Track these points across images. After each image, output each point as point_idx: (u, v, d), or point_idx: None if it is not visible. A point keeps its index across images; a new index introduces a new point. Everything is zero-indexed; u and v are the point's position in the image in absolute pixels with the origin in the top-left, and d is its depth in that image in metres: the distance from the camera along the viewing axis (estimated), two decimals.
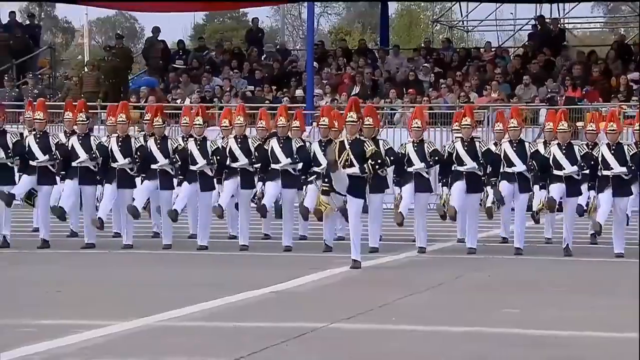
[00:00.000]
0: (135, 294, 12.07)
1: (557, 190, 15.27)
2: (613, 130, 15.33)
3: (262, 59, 29.71)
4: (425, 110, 18.48)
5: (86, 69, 29.35)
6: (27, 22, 31.98)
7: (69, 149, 16.01)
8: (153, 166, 15.98)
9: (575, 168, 15.26)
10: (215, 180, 15.98)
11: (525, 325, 9.98)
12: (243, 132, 16.11)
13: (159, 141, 16.17)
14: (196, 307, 10.89)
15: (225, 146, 16.03)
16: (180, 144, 16.13)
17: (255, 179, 15.98)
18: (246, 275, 13.60)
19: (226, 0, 33.39)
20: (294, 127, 16.17)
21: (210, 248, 16.02)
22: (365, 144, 13.76)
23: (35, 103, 16.90)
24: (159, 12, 32.65)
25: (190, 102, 26.24)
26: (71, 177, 15.99)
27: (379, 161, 13.96)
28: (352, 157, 13.56)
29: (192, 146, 15.95)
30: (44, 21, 48.29)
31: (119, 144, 16.06)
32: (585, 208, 15.43)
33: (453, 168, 15.63)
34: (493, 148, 16.07)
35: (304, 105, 24.78)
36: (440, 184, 16.08)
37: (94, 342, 9.21)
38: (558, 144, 15.47)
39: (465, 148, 15.64)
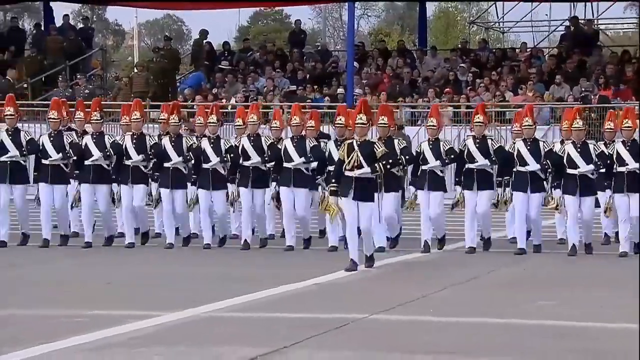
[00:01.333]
0: (180, 287, 12.12)
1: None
2: (628, 127, 14.63)
3: (304, 59, 29.73)
4: (443, 109, 17.29)
5: (136, 70, 29.49)
6: (80, 25, 32.22)
7: (83, 147, 15.55)
8: (166, 164, 15.53)
9: (590, 167, 14.56)
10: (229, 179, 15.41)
11: (557, 317, 9.94)
12: (256, 131, 15.54)
13: (173, 139, 15.68)
14: (240, 299, 10.93)
15: (238, 145, 15.44)
16: (194, 142, 15.66)
17: (269, 179, 15.39)
18: (287, 269, 13.60)
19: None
20: (308, 126, 15.53)
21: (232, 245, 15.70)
22: (375, 146, 13.23)
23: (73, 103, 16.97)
24: (206, 9, 32.65)
25: (235, 102, 26.34)
26: (84, 177, 15.50)
27: (391, 161, 13.45)
28: (361, 158, 13.01)
29: (205, 144, 15.43)
30: (95, 24, 48.56)
31: (134, 141, 15.59)
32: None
33: (465, 166, 15.01)
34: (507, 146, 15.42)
35: (345, 103, 24.76)
36: (454, 182, 15.32)
37: (143, 332, 9.28)
38: (573, 143, 14.78)
39: (477, 145, 15.00)
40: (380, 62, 28.74)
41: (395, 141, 14.91)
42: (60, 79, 28.04)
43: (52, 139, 15.58)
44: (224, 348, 8.57)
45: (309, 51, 30.52)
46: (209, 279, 12.80)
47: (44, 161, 15.47)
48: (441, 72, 27.89)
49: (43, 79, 28.85)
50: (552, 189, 14.90)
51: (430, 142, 15.15)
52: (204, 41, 30.15)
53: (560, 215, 15.40)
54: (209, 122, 15.71)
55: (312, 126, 15.61)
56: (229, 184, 15.34)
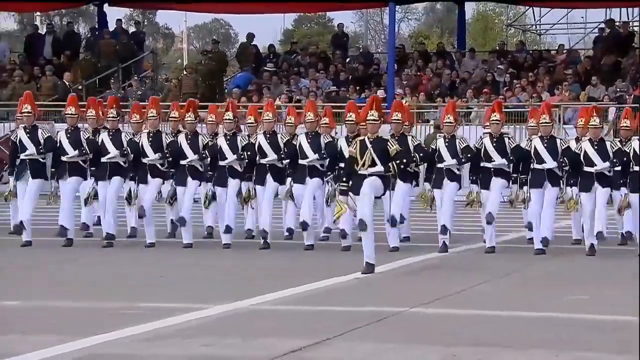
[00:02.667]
0: (226, 281, 12.18)
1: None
2: None
3: (347, 61, 29.72)
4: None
5: (185, 72, 29.60)
6: (132, 28, 32.38)
7: (99, 144, 14.99)
8: (182, 162, 14.97)
9: (607, 164, 13.86)
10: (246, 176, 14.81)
11: (591, 311, 9.88)
12: (272, 128, 14.89)
13: (189, 137, 15.11)
14: (283, 292, 10.94)
15: (254, 142, 14.83)
16: (210, 140, 15.10)
17: (285, 176, 14.76)
18: (328, 263, 13.53)
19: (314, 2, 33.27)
20: (323, 123, 15.05)
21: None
22: (388, 143, 12.45)
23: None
24: (252, 14, 32.72)
25: (280, 102, 26.38)
26: (101, 174, 14.88)
27: (405, 160, 12.73)
28: (374, 156, 12.25)
29: (221, 142, 14.88)
30: (146, 28, 48.79)
31: (150, 139, 15.04)
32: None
33: (482, 164, 14.30)
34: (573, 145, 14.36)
35: (385, 104, 24.74)
36: (470, 181, 14.52)
37: (192, 324, 9.34)
38: (590, 140, 14.11)
39: (494, 144, 14.32)
40: (420, 63, 28.67)
41: (409, 138, 14.47)
42: (112, 81, 28.25)
43: (69, 135, 15.04)
44: (269, 340, 8.60)
45: (351, 54, 30.52)
46: (252, 273, 12.84)
47: (62, 158, 14.96)
48: (479, 73, 27.79)
49: (97, 81, 29.04)
50: (569, 187, 14.14)
51: (447, 140, 14.46)
52: (251, 44, 30.23)
53: (576, 214, 14.64)
54: (225, 119, 15.07)
55: (326, 123, 15.15)
56: (244, 182, 14.76)
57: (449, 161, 14.32)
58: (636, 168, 13.86)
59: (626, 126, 14.36)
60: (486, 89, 26.35)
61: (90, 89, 28.25)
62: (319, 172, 14.85)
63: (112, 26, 31.26)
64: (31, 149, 14.88)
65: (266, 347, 8.31)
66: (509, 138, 14.68)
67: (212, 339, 8.63)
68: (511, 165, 14.33)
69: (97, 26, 32.21)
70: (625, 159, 13.91)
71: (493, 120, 14.52)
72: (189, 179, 15.02)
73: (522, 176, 14.16)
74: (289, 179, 14.70)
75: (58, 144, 15.00)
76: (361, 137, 12.67)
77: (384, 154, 12.29)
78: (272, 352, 8.08)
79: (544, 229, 14.07)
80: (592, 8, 32.47)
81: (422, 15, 56.43)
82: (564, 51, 29.44)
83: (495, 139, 14.38)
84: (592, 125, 14.24)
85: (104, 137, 15.08)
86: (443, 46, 32.09)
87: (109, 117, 15.26)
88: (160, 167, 15.05)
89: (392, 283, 12.06)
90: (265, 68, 29.21)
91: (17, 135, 15.18)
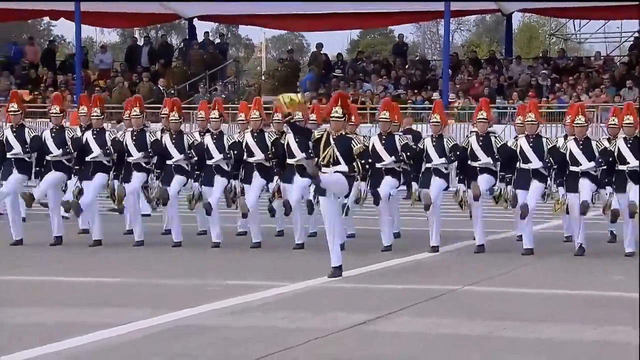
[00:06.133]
0: (301, 261, 12.10)
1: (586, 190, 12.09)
2: (630, 123, 12.16)
3: (406, 67, 29.60)
4: (442, 108, 12.78)
5: (263, 78, 29.71)
6: (217, 40, 32.56)
7: (84, 143, 13.11)
8: (168, 162, 13.11)
9: (592, 164, 12.13)
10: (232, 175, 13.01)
11: (628, 289, 9.68)
12: (259, 127, 13.05)
13: (174, 136, 13.22)
14: (349, 272, 10.86)
15: (241, 140, 13.06)
16: (196, 139, 13.28)
17: (273, 174, 12.97)
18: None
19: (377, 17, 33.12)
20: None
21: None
22: (352, 141, 10.53)
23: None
24: (321, 30, 32.75)
25: None
26: (85, 173, 13.04)
27: (370, 160, 10.96)
28: (337, 154, 10.44)
29: (208, 140, 13.04)
30: (230, 39, 49.00)
31: (134, 138, 13.15)
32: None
33: (468, 163, 12.59)
34: (607, 144, 12.43)
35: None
36: (457, 180, 12.75)
37: (271, 300, 9.35)
38: (575, 139, 12.35)
39: (480, 143, 12.58)
40: (471, 69, 28.47)
41: (396, 137, 12.79)
42: (201, 86, 28.49)
43: (53, 135, 13.19)
44: (338, 313, 8.57)
45: (410, 61, 30.37)
46: (322, 255, 12.74)
47: (46, 157, 13.10)
48: (524, 77, 27.53)
49: (187, 86, 29.29)
50: (556, 187, 12.42)
51: (434, 139, 12.69)
52: (320, 52, 30.23)
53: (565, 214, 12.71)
54: (211, 118, 13.23)
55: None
56: (232, 180, 12.95)
57: (436, 160, 12.61)
58: (622, 167, 12.06)
59: (613, 124, 12.54)
60: (531, 91, 26.14)
61: (181, 93, 28.48)
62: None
63: (200, 38, 31.51)
64: (17, 148, 13.06)
65: (334, 320, 8.28)
66: (495, 137, 12.84)
67: (288, 313, 8.62)
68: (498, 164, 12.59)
69: (187, 38, 32.50)
70: (610, 158, 12.13)
71: (479, 119, 12.71)
72: (217, 176, 13.00)
73: (508, 175, 12.45)
74: (276, 178, 12.89)
75: (84, 143, 13.15)
76: (325, 132, 10.67)
77: (347, 153, 10.46)
78: (338, 325, 8.05)
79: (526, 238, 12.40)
80: (627, 19, 31.91)
81: (473, 26, 56.05)
82: (601, 58, 29.04)
83: (481, 138, 12.59)
84: (577, 123, 12.39)
85: (88, 136, 13.20)
86: (493, 53, 31.75)
87: (93, 115, 13.26)
88: (145, 165, 13.13)
89: (446, 264, 11.93)
90: (334, 74, 29.19)
91: (3, 134, 13.26)
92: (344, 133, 10.60)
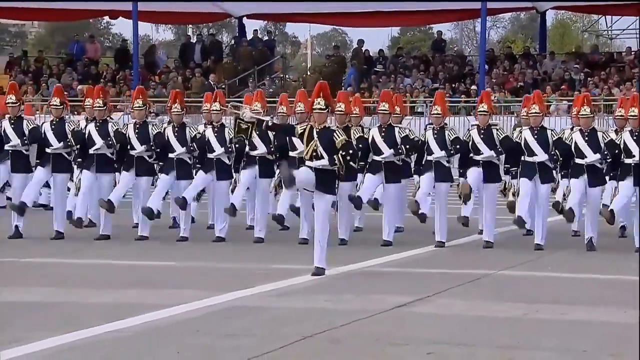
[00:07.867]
0: (344, 247, 11.97)
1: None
2: (634, 116, 11.27)
3: (444, 63, 29.45)
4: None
5: (308, 73, 29.68)
6: (265, 37, 32.62)
7: (86, 136, 12.35)
8: (170, 155, 12.32)
9: (597, 156, 11.27)
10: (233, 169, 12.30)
11: None
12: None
13: (177, 129, 12.38)
14: (389, 257, 10.88)
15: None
16: (199, 132, 12.44)
17: (275, 168, 12.25)
18: (423, 236, 12.48)
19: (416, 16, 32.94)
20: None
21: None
22: (335, 134, 9.65)
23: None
24: (364, 27, 32.65)
25: None
26: (87, 165, 12.33)
27: (351, 152, 9.70)
28: (320, 148, 9.61)
29: (209, 133, 12.25)
30: (277, 36, 49.06)
31: (136, 131, 12.32)
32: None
33: (470, 156, 11.75)
34: (614, 136, 11.59)
35: (476, 98, 24.41)
36: (459, 173, 11.93)
37: (314, 282, 9.37)
38: (580, 131, 11.49)
39: (482, 136, 11.72)
40: (507, 64, 28.27)
41: (396, 129, 11.96)
42: (250, 80, 28.56)
43: (53, 127, 12.41)
44: (378, 296, 8.58)
45: (448, 56, 30.20)
46: (363, 240, 12.72)
47: (46, 150, 12.34)
48: (558, 72, 27.29)
49: (237, 81, 29.39)
50: (562, 179, 11.78)
51: (435, 131, 11.90)
52: (362, 49, 30.16)
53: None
54: (213, 110, 12.38)
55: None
56: (234, 174, 12.30)
57: (437, 153, 11.82)
58: (628, 161, 11.24)
59: (620, 115, 11.68)
60: (564, 85, 25.92)
61: (231, 87, 28.60)
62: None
63: (249, 35, 31.60)
64: (15, 140, 12.40)
65: (376, 302, 8.29)
66: (497, 129, 11.96)
67: (331, 295, 8.64)
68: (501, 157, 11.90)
69: (237, 35, 32.61)
70: (617, 151, 11.29)
71: (480, 111, 11.91)
72: (200, 172, 12.31)
73: (513, 169, 11.83)
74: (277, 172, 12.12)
75: (43, 136, 12.37)
76: (308, 125, 9.89)
77: (330, 147, 9.62)
78: (380, 306, 8.06)
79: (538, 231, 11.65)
80: None
81: (508, 23, 55.60)
82: (632, 53, 28.64)
83: (483, 131, 11.74)
84: (582, 115, 11.53)
85: (90, 128, 12.42)
86: (528, 49, 31.46)
87: (96, 107, 12.47)
88: (147, 159, 12.34)
89: (481, 250, 11.86)
90: (376, 69, 29.12)
91: (2, 126, 12.56)
92: (327, 125, 9.79)
